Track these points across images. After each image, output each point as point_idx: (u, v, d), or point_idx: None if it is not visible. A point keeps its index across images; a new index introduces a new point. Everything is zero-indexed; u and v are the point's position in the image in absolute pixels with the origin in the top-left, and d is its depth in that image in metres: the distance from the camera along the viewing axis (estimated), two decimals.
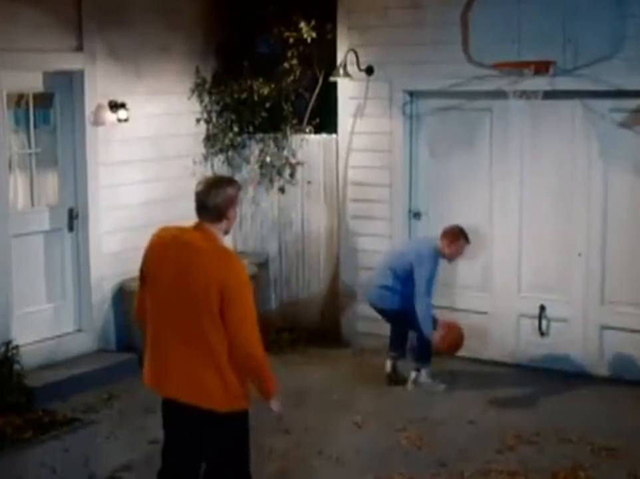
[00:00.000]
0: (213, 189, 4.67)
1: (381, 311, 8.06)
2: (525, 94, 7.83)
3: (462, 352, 8.52)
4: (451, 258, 7.95)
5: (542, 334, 8.42)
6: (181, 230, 4.77)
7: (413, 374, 7.99)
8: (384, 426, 7.23)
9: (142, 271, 4.82)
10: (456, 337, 7.74)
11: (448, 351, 7.87)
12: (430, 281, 7.67)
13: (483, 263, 8.68)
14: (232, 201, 4.71)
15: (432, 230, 8.75)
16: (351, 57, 8.75)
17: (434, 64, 8.40)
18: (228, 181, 4.81)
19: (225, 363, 4.58)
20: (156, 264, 4.72)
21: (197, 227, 4.72)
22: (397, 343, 8.22)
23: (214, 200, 4.65)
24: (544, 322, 8.40)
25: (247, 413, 4.79)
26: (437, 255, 7.79)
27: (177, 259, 4.62)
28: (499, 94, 8.08)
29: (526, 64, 7.73)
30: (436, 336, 7.68)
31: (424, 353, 7.96)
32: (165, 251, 4.70)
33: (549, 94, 7.91)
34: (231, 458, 4.81)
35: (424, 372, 8.00)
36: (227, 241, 9.79)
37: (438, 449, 6.78)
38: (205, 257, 4.60)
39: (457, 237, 7.84)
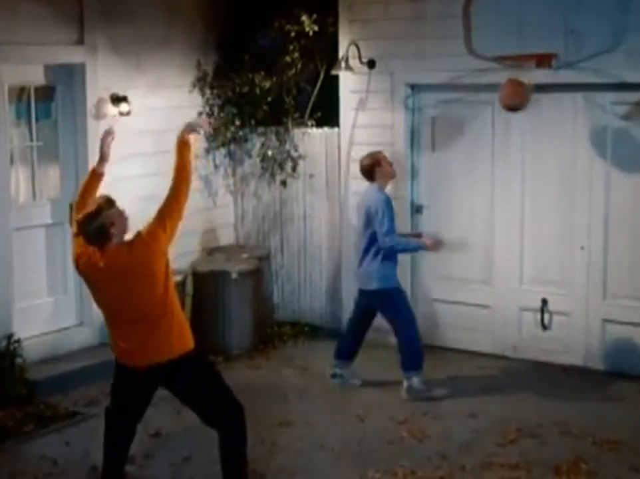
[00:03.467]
0: (92, 221, 5.34)
1: (362, 293, 7.89)
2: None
3: (464, 345, 8.57)
4: (390, 178, 7.88)
5: (544, 327, 8.41)
6: (93, 255, 5.43)
7: (405, 383, 7.70)
8: (385, 419, 7.23)
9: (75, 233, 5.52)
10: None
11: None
12: (391, 220, 7.54)
13: (484, 256, 8.68)
14: (108, 225, 5.37)
15: (434, 224, 8.82)
16: (353, 50, 8.74)
17: (436, 57, 8.40)
18: (95, 212, 5.36)
19: (166, 319, 5.35)
20: (93, 285, 5.50)
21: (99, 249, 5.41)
22: (343, 350, 7.99)
23: (93, 232, 5.35)
24: (546, 316, 8.39)
25: (196, 350, 5.49)
26: (383, 194, 7.69)
27: (106, 274, 5.38)
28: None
29: (528, 56, 7.73)
30: (427, 241, 7.71)
31: (412, 360, 7.66)
32: (93, 277, 5.46)
33: (551, 87, 7.90)
34: (210, 391, 5.52)
35: (415, 380, 7.66)
36: (229, 237, 9.89)
37: (440, 442, 6.79)
38: (117, 257, 5.37)
39: (379, 160, 7.76)
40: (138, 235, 5.45)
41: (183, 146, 5.69)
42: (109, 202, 5.44)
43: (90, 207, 5.41)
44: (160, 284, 5.39)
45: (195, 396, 5.58)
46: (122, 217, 5.47)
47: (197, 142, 5.53)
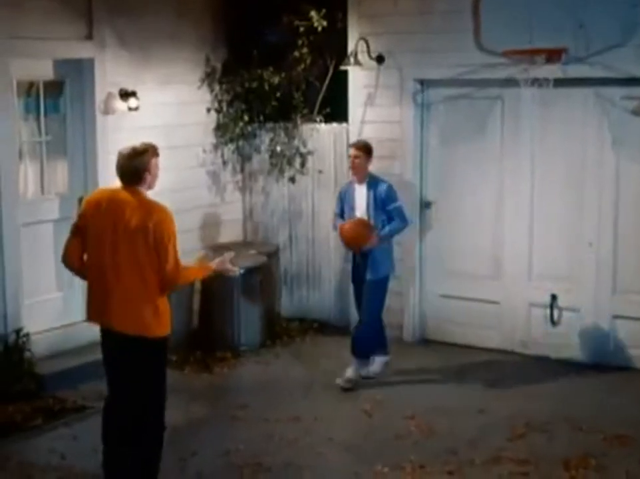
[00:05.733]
0: (129, 161, 5.61)
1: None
2: (536, 82, 7.80)
3: (472, 341, 8.59)
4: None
5: (553, 323, 8.39)
6: (113, 191, 5.73)
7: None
8: (393, 414, 7.23)
9: (77, 224, 5.76)
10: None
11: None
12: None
13: (494, 252, 8.67)
14: (147, 168, 5.63)
15: (442, 219, 8.83)
16: (362, 46, 8.75)
17: (445, 52, 8.39)
18: (141, 152, 5.64)
19: (156, 294, 5.56)
20: (94, 216, 5.64)
21: (124, 188, 5.66)
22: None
23: (130, 170, 5.61)
24: (555, 312, 8.37)
25: (167, 339, 5.72)
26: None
27: (114, 211, 5.58)
28: (511, 82, 8.06)
29: (538, 51, 7.70)
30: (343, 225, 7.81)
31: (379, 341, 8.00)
32: (103, 206, 5.63)
33: (561, 82, 7.87)
34: (151, 378, 5.71)
35: (378, 360, 8.02)
36: (237, 233, 9.89)
37: (448, 437, 6.78)
38: (136, 207, 5.56)
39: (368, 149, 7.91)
40: (159, 212, 5.60)
41: (205, 271, 6.11)
42: (156, 151, 5.71)
43: (138, 146, 5.67)
44: (152, 261, 5.54)
45: (135, 376, 5.72)
46: (157, 170, 5.71)
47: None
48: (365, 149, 7.84)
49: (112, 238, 5.59)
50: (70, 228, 5.84)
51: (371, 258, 7.73)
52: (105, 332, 5.77)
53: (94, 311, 5.76)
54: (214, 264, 5.97)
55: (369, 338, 7.88)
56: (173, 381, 7.76)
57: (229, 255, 6.01)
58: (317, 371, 8.21)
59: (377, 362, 8.00)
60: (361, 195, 7.82)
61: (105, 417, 5.90)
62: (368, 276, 7.77)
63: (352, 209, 7.85)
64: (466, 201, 8.72)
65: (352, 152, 7.88)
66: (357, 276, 7.94)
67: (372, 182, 7.80)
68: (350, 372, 7.81)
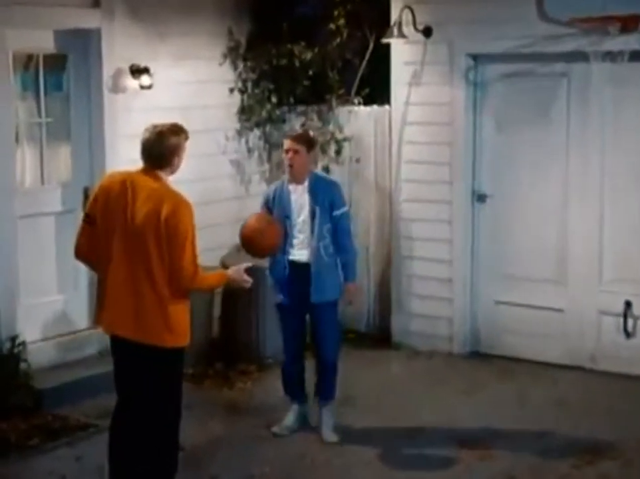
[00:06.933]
0: (158, 139, 5.61)
1: None
2: (609, 56, 7.80)
3: (532, 355, 8.54)
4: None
5: (627, 334, 8.33)
6: (130, 174, 5.69)
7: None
8: (442, 436, 7.20)
9: (88, 213, 5.72)
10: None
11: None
12: None
13: (558, 252, 8.62)
14: (177, 150, 5.66)
15: (498, 215, 8.81)
16: (407, 16, 8.71)
17: (502, 22, 8.33)
18: (173, 131, 5.68)
19: (169, 299, 5.55)
20: (105, 204, 5.61)
21: (144, 171, 5.66)
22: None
23: (159, 149, 5.60)
24: (630, 321, 8.31)
25: (183, 350, 5.75)
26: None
27: (124, 199, 5.55)
28: (579, 56, 8.05)
29: (611, 19, 7.67)
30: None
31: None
32: (114, 192, 5.60)
33: (638, 56, 7.81)
34: (165, 391, 5.71)
35: (330, 411, 7.29)
36: None
37: (506, 462, 6.72)
38: (149, 194, 5.53)
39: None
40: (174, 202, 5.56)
41: (222, 279, 6.09)
42: (187, 136, 5.75)
43: (172, 124, 5.72)
44: (163, 260, 5.51)
45: (147, 389, 5.72)
46: (183, 156, 5.73)
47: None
48: (306, 141, 7.11)
49: (121, 231, 5.59)
50: (83, 216, 5.86)
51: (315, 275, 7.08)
52: (114, 337, 5.81)
53: (101, 313, 5.78)
54: (231, 272, 5.96)
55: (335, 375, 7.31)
56: (190, 396, 7.77)
57: (245, 265, 5.97)
58: (352, 386, 8.14)
59: (330, 422, 7.26)
60: (300, 198, 7.09)
61: (112, 431, 5.91)
62: (315, 298, 7.09)
63: (288, 216, 7.07)
64: (525, 194, 8.67)
65: (288, 144, 7.08)
66: (294, 298, 7.16)
67: (315, 182, 7.13)
68: (291, 420, 7.34)
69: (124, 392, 5.86)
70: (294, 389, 7.42)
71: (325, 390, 7.29)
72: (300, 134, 7.36)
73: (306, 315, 7.24)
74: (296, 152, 7.05)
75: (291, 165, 7.09)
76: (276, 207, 7.14)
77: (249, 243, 6.86)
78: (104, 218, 5.62)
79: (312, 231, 7.07)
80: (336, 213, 7.10)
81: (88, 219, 5.71)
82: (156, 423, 5.76)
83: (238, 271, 5.93)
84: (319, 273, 7.06)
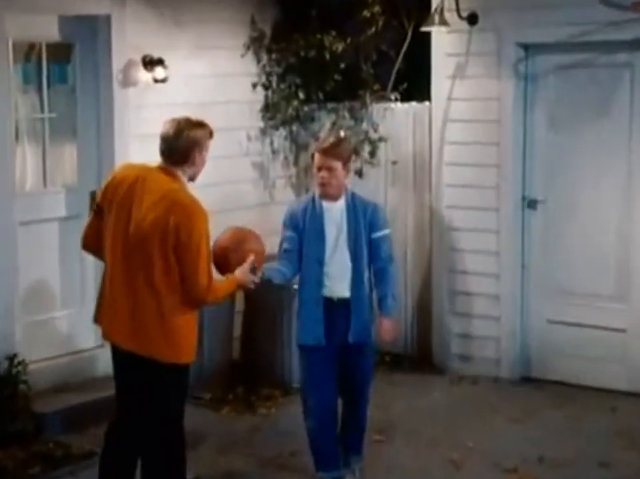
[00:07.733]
0: (178, 131, 5.61)
1: None
2: None
3: (590, 380, 8.54)
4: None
5: None
6: (146, 170, 5.70)
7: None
8: (488, 465, 7.19)
9: (98, 204, 5.78)
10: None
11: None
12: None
13: (618, 265, 8.58)
14: (198, 145, 5.65)
15: (551, 223, 8.81)
16: (449, 2, 8.68)
17: (556, 8, 8.33)
18: (196, 124, 5.70)
19: (173, 311, 5.52)
20: (113, 199, 5.64)
21: (162, 168, 5.66)
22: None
23: (178, 142, 5.60)
24: None
25: (187, 368, 5.74)
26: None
27: (132, 197, 5.57)
28: None
29: None
30: None
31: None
32: (123, 188, 5.62)
33: None
34: (162, 410, 5.68)
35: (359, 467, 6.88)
36: None
37: None
38: (161, 195, 5.51)
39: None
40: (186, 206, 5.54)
41: (233, 285, 5.91)
42: (212, 134, 5.77)
43: (196, 119, 5.73)
44: (169, 269, 5.50)
45: (147, 405, 5.72)
46: (206, 154, 5.73)
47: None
48: (342, 155, 6.52)
49: (123, 232, 5.60)
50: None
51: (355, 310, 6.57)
52: (112, 344, 5.85)
53: (101, 314, 5.82)
54: (238, 274, 5.85)
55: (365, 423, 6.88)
56: (208, 424, 7.80)
57: (250, 260, 5.88)
58: (393, 414, 8.16)
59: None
60: (337, 216, 6.59)
61: (104, 450, 5.95)
62: (354, 338, 6.56)
63: (322, 238, 6.55)
64: (583, 200, 8.63)
65: (321, 160, 6.50)
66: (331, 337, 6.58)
67: (353, 199, 6.65)
68: None
69: (121, 405, 5.86)
70: (330, 459, 6.66)
71: (355, 444, 6.83)
72: (334, 146, 6.55)
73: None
74: (330, 169, 6.47)
75: (323, 184, 6.53)
76: (306, 231, 6.58)
77: (224, 262, 6.05)
78: (109, 213, 5.66)
79: (353, 259, 6.56)
80: (377, 234, 6.61)
81: (97, 210, 5.78)
82: (151, 447, 5.73)
83: (244, 271, 5.87)
84: (359, 307, 6.57)
